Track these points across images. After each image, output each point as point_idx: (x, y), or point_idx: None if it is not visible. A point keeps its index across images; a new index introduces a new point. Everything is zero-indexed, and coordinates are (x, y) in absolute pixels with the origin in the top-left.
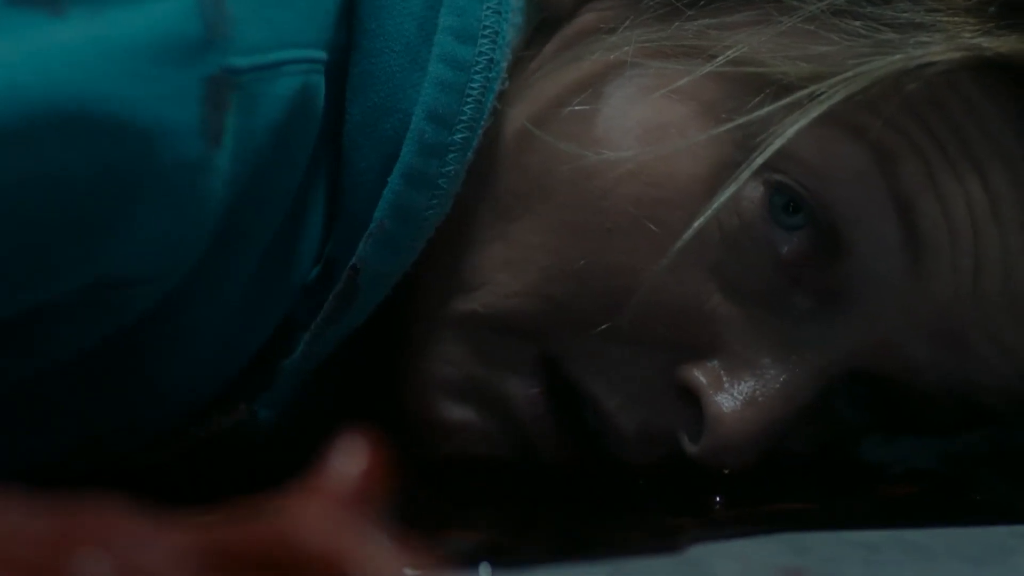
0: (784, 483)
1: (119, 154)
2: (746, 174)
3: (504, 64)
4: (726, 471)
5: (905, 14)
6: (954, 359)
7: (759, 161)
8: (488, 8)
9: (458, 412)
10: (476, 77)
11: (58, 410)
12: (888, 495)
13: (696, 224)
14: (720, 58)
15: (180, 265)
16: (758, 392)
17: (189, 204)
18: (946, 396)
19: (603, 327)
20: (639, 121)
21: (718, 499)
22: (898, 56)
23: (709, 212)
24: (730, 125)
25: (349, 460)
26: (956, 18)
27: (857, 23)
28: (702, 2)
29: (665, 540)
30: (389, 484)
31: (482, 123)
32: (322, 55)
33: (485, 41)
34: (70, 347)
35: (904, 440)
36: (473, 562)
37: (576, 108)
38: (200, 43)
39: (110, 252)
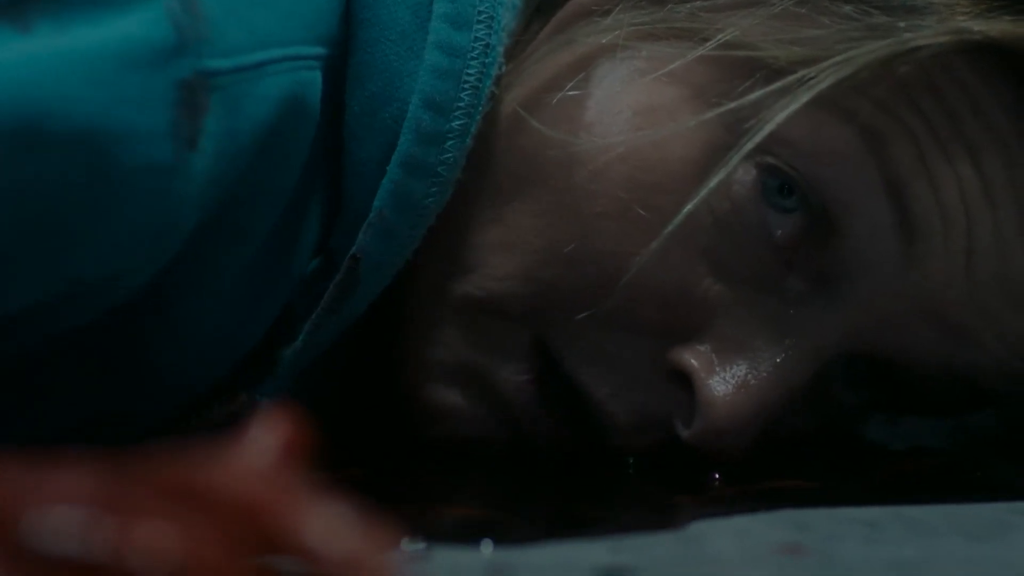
0: (783, 460)
1: (83, 161)
2: (736, 160)
3: (500, 49)
4: (720, 456)
5: None
6: (949, 340)
7: (748, 147)
8: None
9: (450, 396)
10: (472, 63)
11: (52, 387)
12: (888, 472)
13: (686, 209)
14: (712, 42)
15: (152, 263)
16: (750, 376)
17: (159, 207)
18: (943, 377)
19: (594, 311)
20: (629, 104)
21: (716, 476)
22: (888, 40)
23: (699, 197)
24: (721, 109)
25: (267, 433)
26: (949, 0)
27: (848, 6)
28: None
29: (664, 516)
30: (308, 458)
31: (480, 109)
32: (316, 50)
33: (480, 27)
34: (60, 325)
35: (904, 419)
36: (468, 539)
37: (568, 92)
38: (170, 48)
39: (78, 257)
